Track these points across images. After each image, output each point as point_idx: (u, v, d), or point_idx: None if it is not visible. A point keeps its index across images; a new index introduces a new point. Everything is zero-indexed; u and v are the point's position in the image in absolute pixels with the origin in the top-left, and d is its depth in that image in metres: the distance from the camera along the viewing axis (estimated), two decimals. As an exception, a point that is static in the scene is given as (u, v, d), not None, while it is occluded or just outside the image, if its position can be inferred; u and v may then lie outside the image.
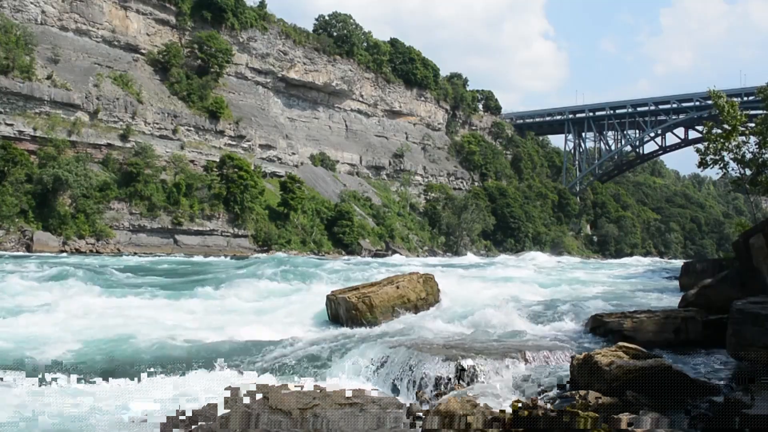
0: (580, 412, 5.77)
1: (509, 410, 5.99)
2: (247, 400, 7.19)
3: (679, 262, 50.77)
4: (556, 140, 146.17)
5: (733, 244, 14.15)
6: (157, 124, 67.21)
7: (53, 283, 22.48)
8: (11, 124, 55.13)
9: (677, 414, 6.17)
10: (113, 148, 62.22)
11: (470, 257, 71.53)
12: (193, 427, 6.80)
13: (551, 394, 7.91)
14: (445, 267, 38.86)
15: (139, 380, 10.30)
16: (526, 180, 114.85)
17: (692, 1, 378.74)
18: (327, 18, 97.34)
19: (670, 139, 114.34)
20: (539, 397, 7.49)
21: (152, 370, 10.86)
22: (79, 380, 10.01)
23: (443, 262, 58.42)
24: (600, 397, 6.60)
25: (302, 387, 7.75)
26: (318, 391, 7.63)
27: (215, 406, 6.94)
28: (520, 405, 6.10)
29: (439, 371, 9.06)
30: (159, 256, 53.37)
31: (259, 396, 7.29)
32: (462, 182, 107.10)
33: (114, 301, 19.07)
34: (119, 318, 15.73)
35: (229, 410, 6.89)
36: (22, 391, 9.26)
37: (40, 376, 9.83)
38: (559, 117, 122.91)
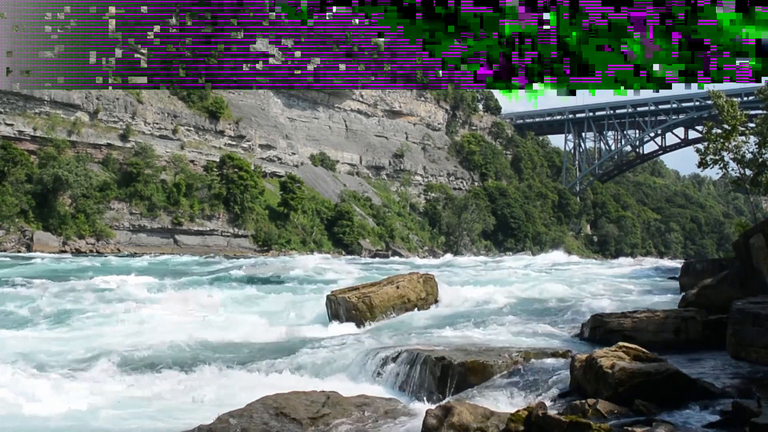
0: (592, 423, 5.73)
1: (521, 426, 5.94)
2: (258, 407, 7.20)
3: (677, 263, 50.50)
4: (556, 140, 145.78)
5: (733, 244, 14.16)
6: (157, 124, 67.23)
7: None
8: (11, 124, 55.20)
9: (688, 424, 6.16)
10: (113, 148, 62.28)
11: (452, 258, 68.40)
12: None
13: (555, 396, 7.90)
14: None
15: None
16: (526, 180, 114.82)
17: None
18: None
19: (670, 139, 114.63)
20: (543, 400, 7.46)
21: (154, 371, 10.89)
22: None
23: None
24: (609, 406, 6.53)
25: (308, 391, 7.76)
26: (326, 397, 7.64)
27: (227, 418, 6.95)
28: (529, 414, 6.04)
29: (440, 372, 9.07)
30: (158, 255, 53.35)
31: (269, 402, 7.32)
32: (462, 182, 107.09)
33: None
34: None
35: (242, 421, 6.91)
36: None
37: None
38: (559, 117, 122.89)
